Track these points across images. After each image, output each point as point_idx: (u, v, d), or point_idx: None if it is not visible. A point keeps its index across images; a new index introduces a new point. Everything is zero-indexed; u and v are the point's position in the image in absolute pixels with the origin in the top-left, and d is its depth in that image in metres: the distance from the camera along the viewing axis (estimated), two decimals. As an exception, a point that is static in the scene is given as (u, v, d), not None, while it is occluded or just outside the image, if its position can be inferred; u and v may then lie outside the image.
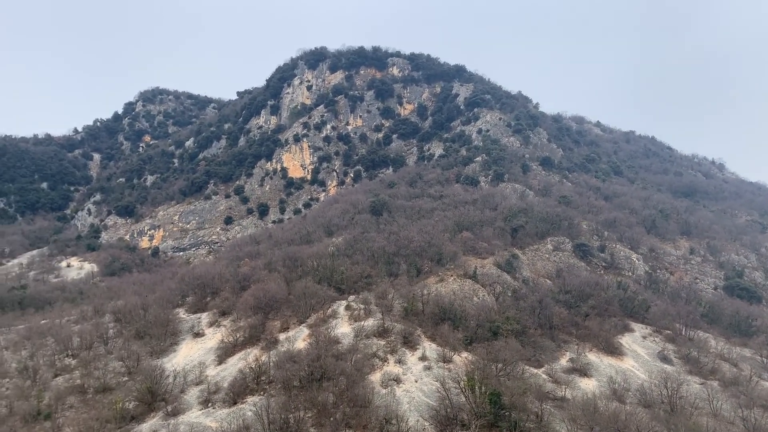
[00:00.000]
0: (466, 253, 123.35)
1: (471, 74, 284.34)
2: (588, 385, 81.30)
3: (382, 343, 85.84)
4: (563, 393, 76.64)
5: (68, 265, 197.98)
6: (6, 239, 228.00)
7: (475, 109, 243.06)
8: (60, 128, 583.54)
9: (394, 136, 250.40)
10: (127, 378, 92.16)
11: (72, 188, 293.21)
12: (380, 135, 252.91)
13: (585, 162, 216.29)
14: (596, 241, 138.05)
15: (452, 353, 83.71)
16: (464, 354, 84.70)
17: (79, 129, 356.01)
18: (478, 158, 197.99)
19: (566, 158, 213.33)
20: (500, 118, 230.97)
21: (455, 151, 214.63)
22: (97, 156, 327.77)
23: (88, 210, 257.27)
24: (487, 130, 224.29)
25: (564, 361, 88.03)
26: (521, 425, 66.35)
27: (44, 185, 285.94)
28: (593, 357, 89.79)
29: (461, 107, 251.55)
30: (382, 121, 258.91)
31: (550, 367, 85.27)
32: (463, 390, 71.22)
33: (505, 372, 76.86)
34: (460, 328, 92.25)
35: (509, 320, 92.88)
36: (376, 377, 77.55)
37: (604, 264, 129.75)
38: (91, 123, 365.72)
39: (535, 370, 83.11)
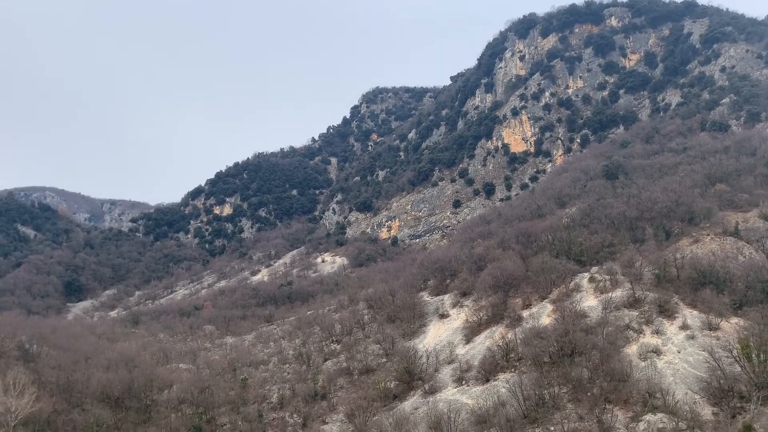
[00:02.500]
0: (722, 207, 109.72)
1: (704, 7, 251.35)
2: None
3: (635, 313, 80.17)
4: None
5: (323, 261, 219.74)
6: (271, 243, 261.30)
7: (715, 46, 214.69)
8: (300, 139, 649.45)
9: (621, 91, 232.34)
10: (385, 359, 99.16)
11: (317, 192, 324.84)
12: (605, 93, 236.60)
13: None
14: None
15: (719, 320, 75.06)
16: (733, 320, 75.42)
17: (316, 138, 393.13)
18: (725, 100, 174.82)
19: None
20: (747, 51, 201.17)
21: (695, 96, 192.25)
22: (333, 160, 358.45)
23: (333, 209, 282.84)
24: (733, 67, 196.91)
25: None
26: (819, 398, 57.11)
27: (294, 192, 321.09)
28: None
29: (696, 46, 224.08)
30: (606, 78, 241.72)
31: None
32: (738, 359, 63.52)
33: (789, 337, 66.74)
34: (726, 292, 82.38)
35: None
36: (632, 350, 72.80)
37: None
38: (324, 130, 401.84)
39: (830, 334, 70.81)
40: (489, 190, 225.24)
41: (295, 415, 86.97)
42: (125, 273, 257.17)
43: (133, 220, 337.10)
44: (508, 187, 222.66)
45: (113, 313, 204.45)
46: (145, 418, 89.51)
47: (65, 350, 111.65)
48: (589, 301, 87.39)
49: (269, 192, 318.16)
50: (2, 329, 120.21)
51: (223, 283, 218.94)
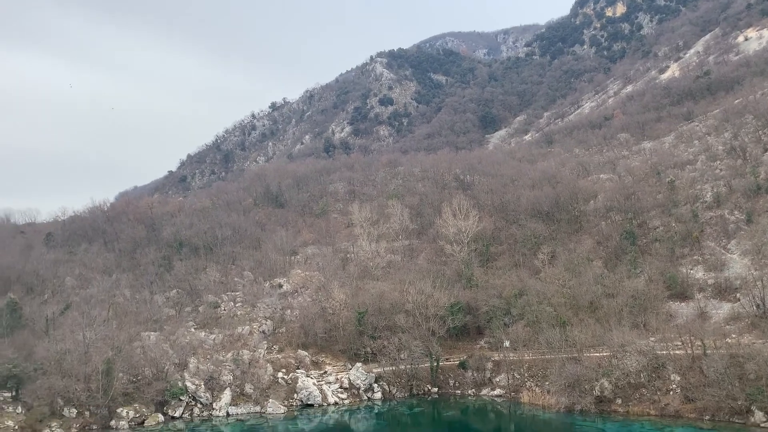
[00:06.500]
0: None
1: None
2: None
3: None
4: None
5: (746, 39, 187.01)
6: (676, 33, 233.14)
7: None
8: None
9: None
10: None
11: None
12: None
13: None
14: None
15: None
16: None
17: None
18: None
19: None
20: None
21: None
22: None
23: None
24: None
25: None
26: None
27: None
28: None
29: None
30: None
31: None
32: None
33: None
34: None
35: None
36: None
37: None
38: None
39: None
40: None
41: (735, 212, 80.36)
42: (530, 97, 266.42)
43: (527, 45, 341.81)
44: None
45: (527, 137, 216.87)
46: (576, 228, 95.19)
47: (493, 176, 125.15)
48: None
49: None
50: (440, 165, 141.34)
51: (629, 89, 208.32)
